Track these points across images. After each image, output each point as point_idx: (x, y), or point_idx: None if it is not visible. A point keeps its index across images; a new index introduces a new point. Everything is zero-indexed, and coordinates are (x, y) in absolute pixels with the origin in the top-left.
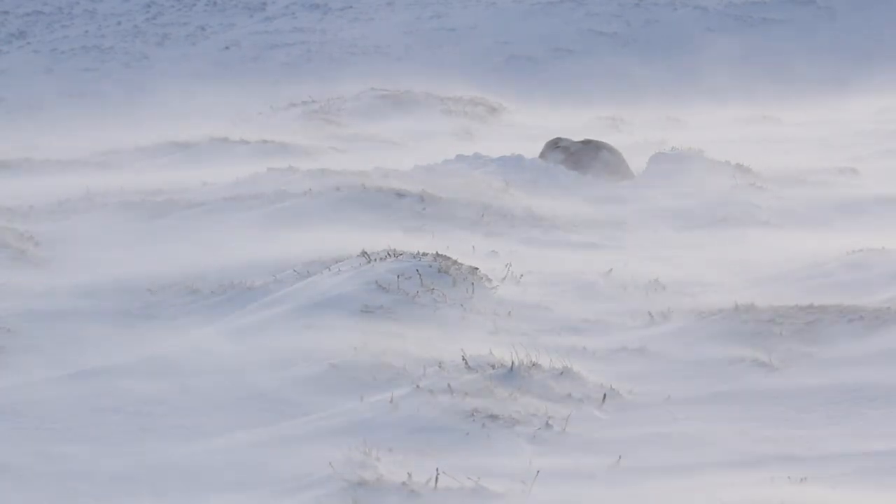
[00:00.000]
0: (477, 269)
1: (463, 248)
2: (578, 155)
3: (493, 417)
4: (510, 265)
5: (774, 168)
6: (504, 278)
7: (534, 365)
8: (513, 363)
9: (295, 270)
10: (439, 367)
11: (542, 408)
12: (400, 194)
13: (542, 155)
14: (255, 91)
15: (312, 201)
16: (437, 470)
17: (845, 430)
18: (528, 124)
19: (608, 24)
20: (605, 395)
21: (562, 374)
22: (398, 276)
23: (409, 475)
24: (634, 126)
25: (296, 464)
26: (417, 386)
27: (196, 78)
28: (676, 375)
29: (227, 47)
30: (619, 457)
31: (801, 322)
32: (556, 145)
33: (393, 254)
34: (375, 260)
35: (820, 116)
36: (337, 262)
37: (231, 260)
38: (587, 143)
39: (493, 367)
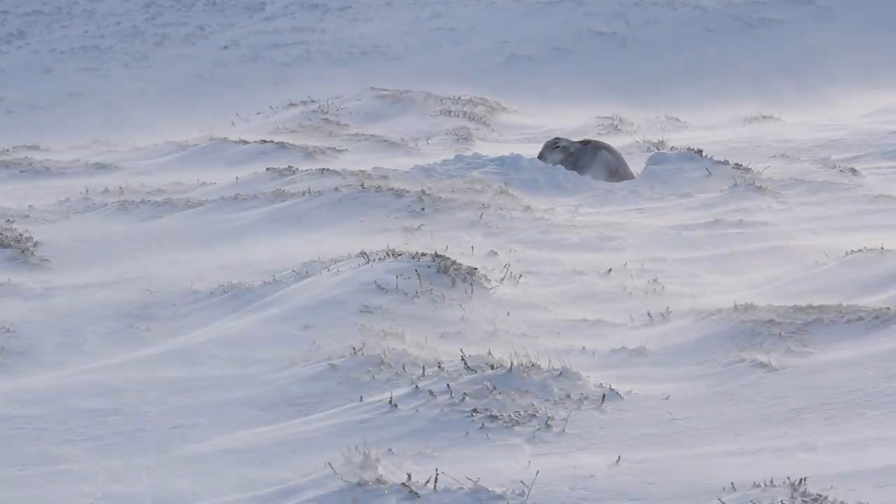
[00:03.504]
0: (476, 269)
1: (462, 248)
2: (577, 155)
3: (493, 418)
4: (509, 265)
5: (774, 168)
6: (503, 278)
7: (533, 365)
8: (512, 363)
9: (294, 271)
10: (438, 367)
11: (542, 408)
12: (399, 194)
13: (541, 155)
14: (254, 91)
15: (311, 201)
16: (436, 470)
17: (844, 430)
18: (527, 124)
19: (607, 24)
20: (604, 396)
21: (561, 374)
22: (397, 277)
23: (409, 475)
24: (634, 126)
25: (296, 464)
26: (417, 386)
27: (195, 78)
28: (676, 375)
29: (226, 47)
30: (619, 457)
31: (801, 322)
32: (555, 145)
33: (392, 254)
34: (374, 260)
35: (820, 116)
36: (336, 263)
37: (230, 260)
38: (586, 144)
39: (492, 367)
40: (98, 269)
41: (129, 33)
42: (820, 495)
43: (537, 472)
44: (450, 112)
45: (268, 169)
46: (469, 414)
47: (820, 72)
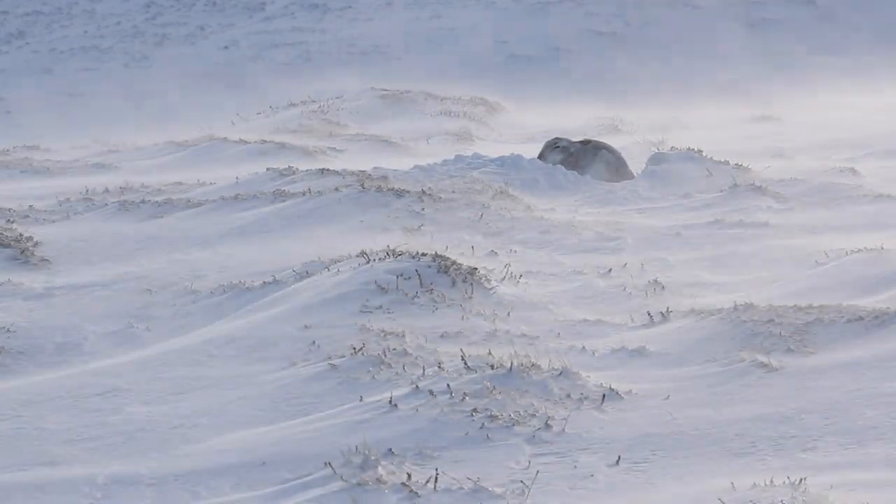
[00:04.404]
0: (476, 269)
1: (462, 248)
2: (578, 155)
3: (493, 418)
4: (509, 265)
5: (774, 168)
6: (503, 278)
7: (533, 365)
8: (512, 363)
9: (294, 270)
10: (438, 367)
11: (542, 408)
12: (399, 194)
13: (541, 155)
14: (254, 91)
15: (311, 201)
16: (436, 470)
17: (844, 430)
18: (527, 124)
19: (607, 24)
20: (604, 396)
21: (561, 374)
22: (397, 277)
23: (409, 475)
24: (634, 126)
25: (296, 464)
26: (417, 386)
27: (195, 78)
28: (676, 375)
29: (226, 47)
30: (619, 457)
31: (801, 322)
32: (555, 145)
33: (392, 254)
34: (375, 260)
35: (820, 116)
36: (336, 263)
37: (231, 260)
38: (586, 144)
39: (492, 367)
40: (98, 269)
41: (129, 33)
42: (820, 495)
43: (537, 472)
44: (450, 112)
45: (268, 169)
46: (469, 414)
47: (820, 72)
